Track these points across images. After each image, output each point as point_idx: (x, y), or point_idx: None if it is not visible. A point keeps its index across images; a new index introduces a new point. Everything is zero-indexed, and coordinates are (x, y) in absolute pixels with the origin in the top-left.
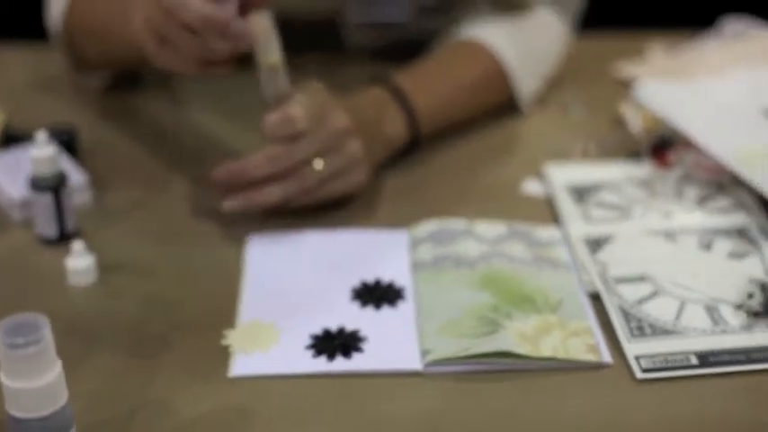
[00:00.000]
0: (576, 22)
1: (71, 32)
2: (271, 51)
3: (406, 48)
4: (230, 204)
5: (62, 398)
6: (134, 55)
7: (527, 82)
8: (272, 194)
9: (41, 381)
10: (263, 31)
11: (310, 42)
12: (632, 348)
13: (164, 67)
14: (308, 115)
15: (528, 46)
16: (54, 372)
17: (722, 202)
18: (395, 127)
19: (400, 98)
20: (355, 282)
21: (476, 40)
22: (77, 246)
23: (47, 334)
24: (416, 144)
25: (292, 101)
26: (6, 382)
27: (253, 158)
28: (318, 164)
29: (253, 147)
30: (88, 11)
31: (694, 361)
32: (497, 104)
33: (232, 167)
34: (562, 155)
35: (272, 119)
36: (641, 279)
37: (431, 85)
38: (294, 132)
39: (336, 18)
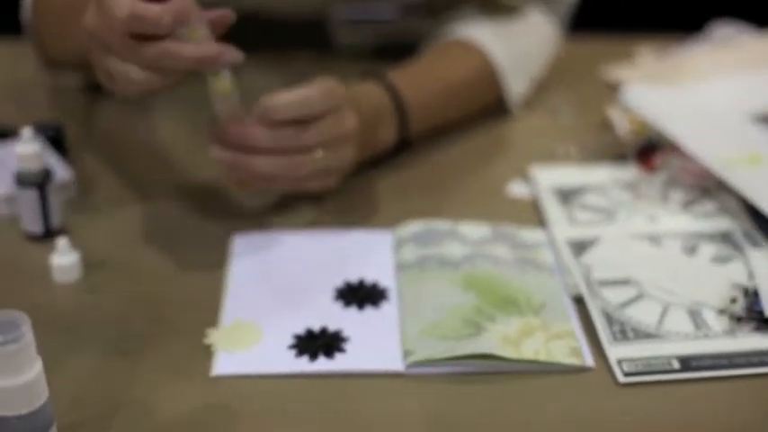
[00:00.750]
0: (565, 24)
1: (37, 25)
2: (220, 77)
3: (392, 47)
4: (219, 155)
5: (42, 396)
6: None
7: (516, 82)
8: (261, 166)
9: (21, 379)
10: None
11: (296, 40)
12: (615, 352)
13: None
14: (325, 102)
15: (518, 46)
16: (34, 370)
17: (707, 206)
18: (387, 130)
19: (395, 100)
20: (339, 282)
21: (467, 40)
22: (62, 243)
23: (26, 332)
24: (404, 145)
25: (309, 83)
26: None
27: (258, 129)
28: (319, 153)
29: None
30: (50, 2)
31: (676, 365)
32: (487, 105)
33: (234, 129)
34: (548, 157)
35: (286, 97)
36: (625, 282)
37: (424, 84)
38: (310, 114)
39: (322, 16)
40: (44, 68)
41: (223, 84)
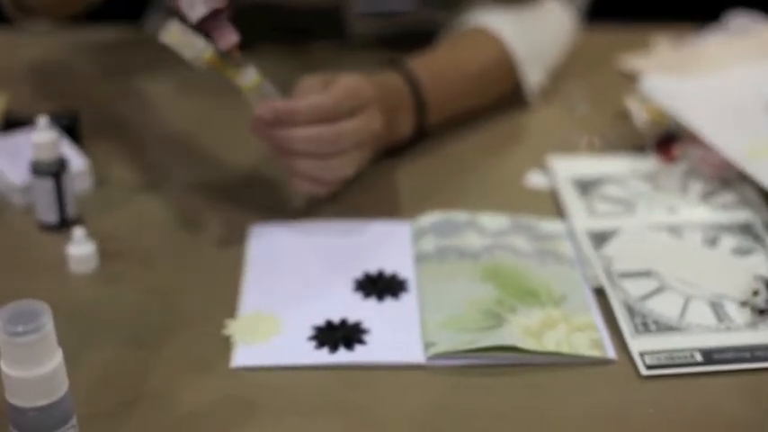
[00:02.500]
0: (582, 13)
1: None
2: (244, 76)
3: (409, 38)
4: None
5: (62, 387)
6: None
7: (533, 71)
8: (296, 138)
9: (42, 370)
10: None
11: (312, 30)
12: (637, 344)
13: None
14: (346, 104)
15: (535, 35)
16: (55, 361)
17: (727, 197)
18: (406, 119)
19: (414, 89)
20: (358, 273)
21: (484, 29)
22: (78, 233)
23: (47, 322)
24: (421, 135)
25: (332, 85)
26: (6, 370)
27: (303, 110)
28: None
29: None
30: None
31: (699, 358)
32: (503, 94)
33: (282, 106)
34: (566, 147)
35: (303, 103)
36: (646, 274)
37: (442, 74)
38: (360, 103)
39: (340, 7)
40: (12, 16)
41: (247, 79)
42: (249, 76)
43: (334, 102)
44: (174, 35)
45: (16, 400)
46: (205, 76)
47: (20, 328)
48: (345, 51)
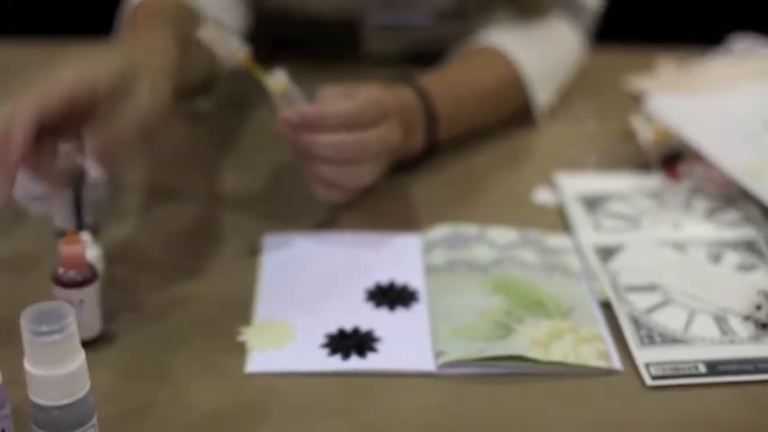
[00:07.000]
0: (590, 35)
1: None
2: (274, 78)
3: (423, 53)
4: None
5: (84, 387)
6: None
7: (543, 92)
8: (321, 144)
9: (65, 369)
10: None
11: (327, 45)
12: (642, 356)
13: None
14: (367, 115)
15: (546, 56)
16: (78, 360)
17: (730, 215)
18: (417, 134)
19: (427, 105)
20: (369, 283)
21: (495, 47)
22: (84, 238)
23: (72, 323)
24: (431, 151)
25: (354, 95)
26: (30, 369)
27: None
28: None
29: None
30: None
31: (703, 369)
32: (513, 112)
33: (309, 111)
34: (573, 165)
35: (330, 109)
36: (651, 288)
37: (454, 91)
38: (382, 113)
39: (355, 21)
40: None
41: (276, 82)
42: (279, 79)
43: (361, 110)
44: (210, 33)
45: (39, 398)
46: (223, 92)
47: (44, 328)
48: (358, 66)
